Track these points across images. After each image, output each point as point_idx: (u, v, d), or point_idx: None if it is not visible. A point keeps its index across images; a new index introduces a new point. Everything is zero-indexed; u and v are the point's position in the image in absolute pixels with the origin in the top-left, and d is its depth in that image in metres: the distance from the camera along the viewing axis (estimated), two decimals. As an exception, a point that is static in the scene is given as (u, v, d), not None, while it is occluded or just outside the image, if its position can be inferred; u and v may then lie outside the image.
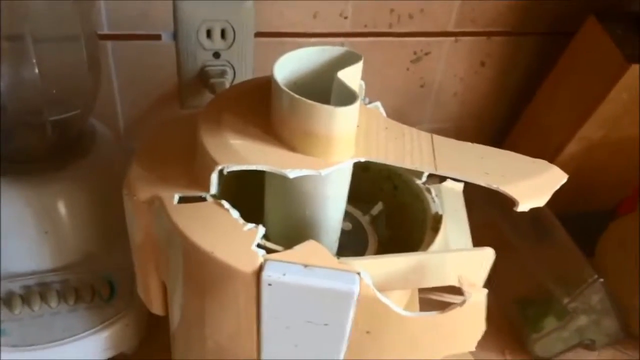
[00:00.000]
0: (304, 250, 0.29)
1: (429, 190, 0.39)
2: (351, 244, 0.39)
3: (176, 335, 0.39)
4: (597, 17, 0.59)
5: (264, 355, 0.32)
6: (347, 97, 0.30)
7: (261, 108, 0.32)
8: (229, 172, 0.30)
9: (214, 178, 0.30)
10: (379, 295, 0.28)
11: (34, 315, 0.46)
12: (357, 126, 0.32)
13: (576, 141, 0.63)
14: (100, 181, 0.49)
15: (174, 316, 0.37)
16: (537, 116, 0.70)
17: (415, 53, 0.67)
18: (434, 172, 0.31)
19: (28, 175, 0.47)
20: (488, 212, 0.65)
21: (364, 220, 0.41)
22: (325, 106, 0.28)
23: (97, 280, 0.48)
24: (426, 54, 0.67)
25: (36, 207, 0.47)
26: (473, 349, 0.31)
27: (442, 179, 0.40)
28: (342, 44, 0.64)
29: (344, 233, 0.40)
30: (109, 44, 0.57)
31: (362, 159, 0.31)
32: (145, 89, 0.61)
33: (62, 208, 0.48)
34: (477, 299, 0.28)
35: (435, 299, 0.63)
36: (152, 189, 0.32)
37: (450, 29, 0.66)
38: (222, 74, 0.60)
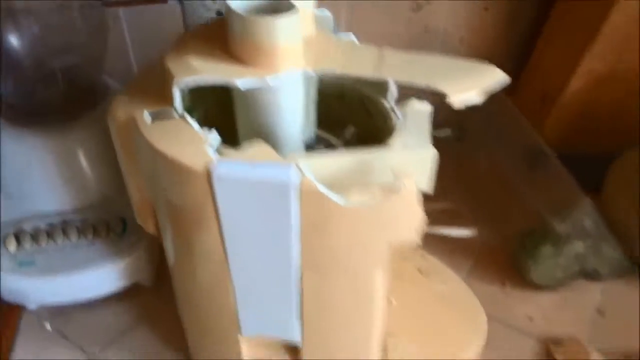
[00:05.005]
0: (252, 150, 0.32)
1: (394, 110, 0.41)
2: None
3: (167, 250, 0.43)
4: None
5: (229, 254, 0.35)
6: (288, 10, 0.33)
7: (222, 36, 0.36)
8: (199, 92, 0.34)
9: (176, 93, 0.34)
10: (317, 185, 0.31)
11: (57, 248, 0.52)
12: (309, 44, 0.35)
13: (579, 76, 0.62)
14: (111, 130, 0.54)
15: (164, 232, 0.42)
16: (543, 56, 0.70)
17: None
18: (376, 77, 0.34)
19: (49, 126, 0.52)
20: (491, 150, 0.67)
21: (337, 142, 0.43)
22: (265, 17, 0.31)
23: (112, 218, 0.54)
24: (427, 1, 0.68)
25: (57, 153, 0.53)
26: (416, 239, 0.33)
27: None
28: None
29: (316, 155, 0.42)
30: (120, 10, 0.62)
31: (310, 70, 0.34)
32: (156, 47, 0.66)
33: (79, 154, 0.54)
34: (409, 188, 0.31)
35: (434, 232, 0.65)
36: (129, 111, 0.36)
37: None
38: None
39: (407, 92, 0.40)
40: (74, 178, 0.54)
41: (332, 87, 0.45)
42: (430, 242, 0.63)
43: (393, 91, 0.41)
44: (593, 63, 0.61)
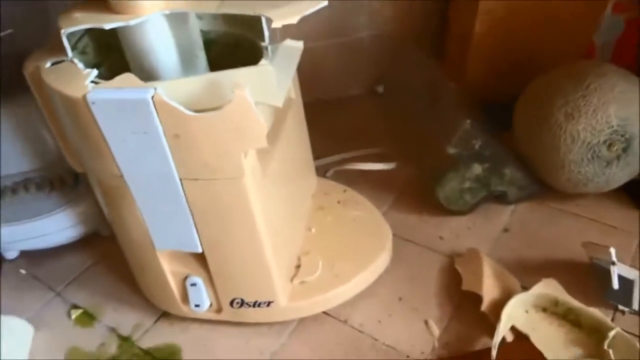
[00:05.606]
0: (121, 79, 0.40)
1: (267, 49, 0.48)
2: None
3: (94, 188, 0.51)
4: None
5: (125, 175, 0.43)
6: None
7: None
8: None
9: (65, 41, 0.42)
10: (168, 100, 0.38)
11: (20, 200, 0.61)
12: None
13: (481, 18, 0.68)
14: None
15: (87, 170, 0.50)
16: (455, 7, 0.75)
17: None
18: (218, 11, 0.41)
19: (10, 99, 0.61)
20: (411, 98, 0.72)
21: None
22: (121, -29, 0.39)
23: (65, 173, 0.62)
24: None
25: (17, 124, 0.61)
26: (264, 144, 0.40)
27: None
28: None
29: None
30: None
31: (166, 11, 0.42)
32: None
33: (36, 122, 0.62)
34: (241, 98, 0.37)
35: (351, 168, 0.72)
36: (36, 63, 0.45)
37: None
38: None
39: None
40: (33, 143, 0.63)
41: (228, 38, 0.52)
42: (358, 179, 0.70)
43: (266, 33, 0.48)
44: (490, 4, 0.66)
